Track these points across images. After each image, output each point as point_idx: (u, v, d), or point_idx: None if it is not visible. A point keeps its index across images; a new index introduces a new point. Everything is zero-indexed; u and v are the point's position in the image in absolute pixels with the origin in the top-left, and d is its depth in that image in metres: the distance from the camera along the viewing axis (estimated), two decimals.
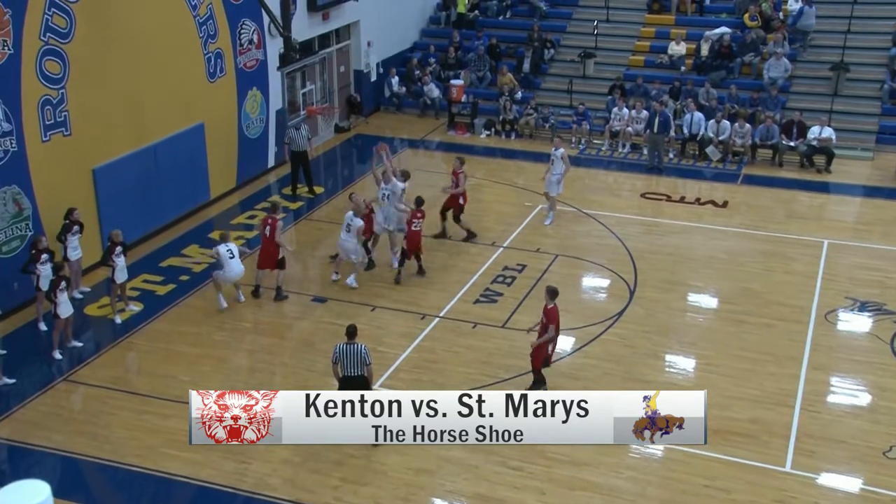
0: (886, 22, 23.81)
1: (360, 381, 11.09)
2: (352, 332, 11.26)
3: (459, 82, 24.04)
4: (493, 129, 23.38)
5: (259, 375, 13.21)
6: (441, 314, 14.68)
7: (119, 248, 14.31)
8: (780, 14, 24.12)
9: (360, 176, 20.94)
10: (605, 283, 15.82)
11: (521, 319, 14.43)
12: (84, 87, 15.39)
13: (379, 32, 24.71)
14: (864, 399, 12.53)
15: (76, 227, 14.71)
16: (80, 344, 13.85)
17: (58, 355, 13.44)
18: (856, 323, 14.42)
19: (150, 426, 11.97)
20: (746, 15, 24.17)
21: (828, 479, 10.91)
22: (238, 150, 19.71)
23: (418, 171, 19.87)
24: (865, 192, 19.66)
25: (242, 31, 19.37)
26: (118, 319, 14.49)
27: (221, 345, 14.02)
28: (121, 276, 14.41)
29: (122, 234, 14.56)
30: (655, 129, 20.68)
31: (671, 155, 21.48)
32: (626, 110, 22.01)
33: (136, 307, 14.91)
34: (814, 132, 20.70)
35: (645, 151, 21.49)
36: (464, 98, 23.79)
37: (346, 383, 11.10)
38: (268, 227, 15.00)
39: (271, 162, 20.99)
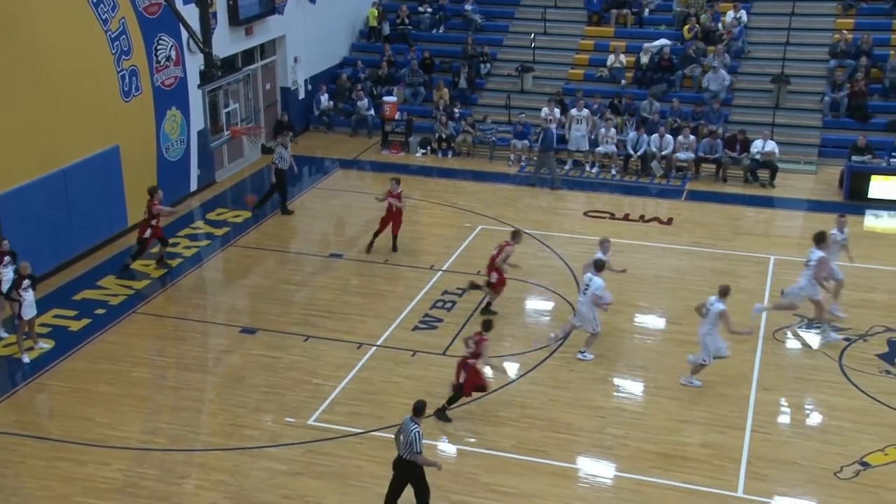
0: (824, 34, 24.76)
1: (405, 467, 10.38)
2: (419, 409, 10.35)
3: (392, 99, 24.14)
4: (428, 148, 23.52)
5: (184, 415, 12.97)
6: (378, 343, 14.64)
7: (27, 282, 13.94)
8: (720, 25, 24.85)
9: (289, 199, 20.85)
10: (549, 305, 15.98)
11: (462, 346, 14.44)
12: None
13: (306, 47, 24.70)
14: (815, 419, 12.87)
15: (7, 258, 14.31)
16: None
17: None
18: (804, 341, 14.81)
19: (64, 474, 11.64)
20: (686, 27, 24.82)
21: (781, 503, 11.16)
22: (157, 174, 19.44)
23: (350, 193, 19.89)
24: (810, 206, 20.29)
25: (159, 46, 19.18)
26: (26, 359, 14.08)
27: (142, 383, 13.74)
28: (29, 311, 14.03)
29: (30, 266, 14.19)
30: (540, 147, 21.32)
31: (613, 171, 21.92)
32: (556, 111, 22.46)
33: (46, 345, 14.53)
34: (757, 146, 21.34)
35: (587, 168, 21.96)
36: (397, 116, 23.89)
37: (395, 462, 10.50)
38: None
39: (194, 186, 20.75)
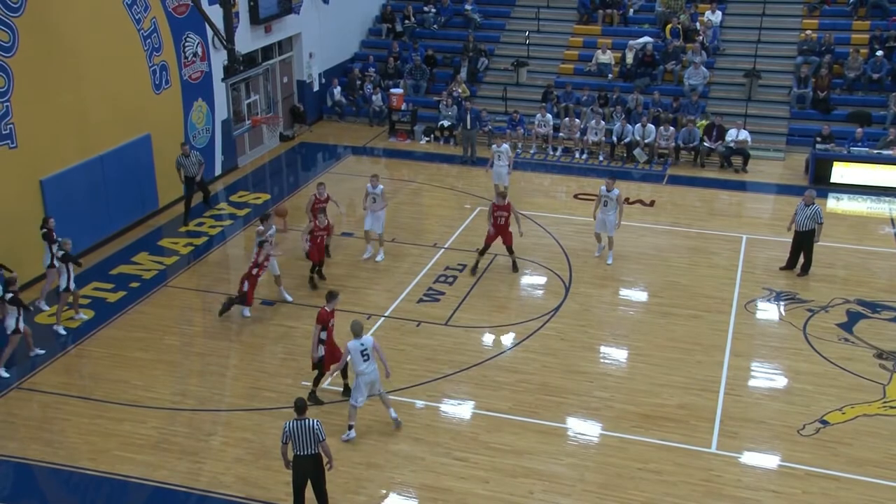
0: (791, 33, 24.64)
1: (314, 462, 9.65)
2: (301, 407, 9.52)
3: (399, 91, 24.06)
4: (432, 136, 23.45)
5: (211, 378, 13.04)
6: (386, 314, 14.67)
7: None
8: (698, 24, 24.70)
9: (305, 183, 20.82)
10: (542, 280, 16.00)
11: (463, 317, 14.52)
12: (29, 100, 15.00)
13: (320, 44, 24.56)
14: (781, 382, 12.92)
15: (56, 236, 14.29)
16: (43, 351, 13.50)
17: (3, 373, 12.90)
18: (772, 312, 14.84)
19: (103, 430, 11.73)
20: (669, 27, 24.67)
21: (749, 458, 11.23)
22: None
23: (360, 178, 19.83)
24: (778, 189, 20.26)
25: (187, 43, 19.08)
26: (62, 330, 14.06)
27: (172, 349, 13.80)
28: (72, 286, 14.01)
29: (70, 243, 14.16)
30: (468, 126, 21.49)
31: (601, 158, 21.87)
32: (549, 116, 22.35)
33: (85, 315, 14.57)
34: (731, 135, 21.29)
35: (577, 154, 21.92)
36: (403, 106, 23.81)
37: (299, 464, 9.68)
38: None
39: (218, 170, 20.71)
